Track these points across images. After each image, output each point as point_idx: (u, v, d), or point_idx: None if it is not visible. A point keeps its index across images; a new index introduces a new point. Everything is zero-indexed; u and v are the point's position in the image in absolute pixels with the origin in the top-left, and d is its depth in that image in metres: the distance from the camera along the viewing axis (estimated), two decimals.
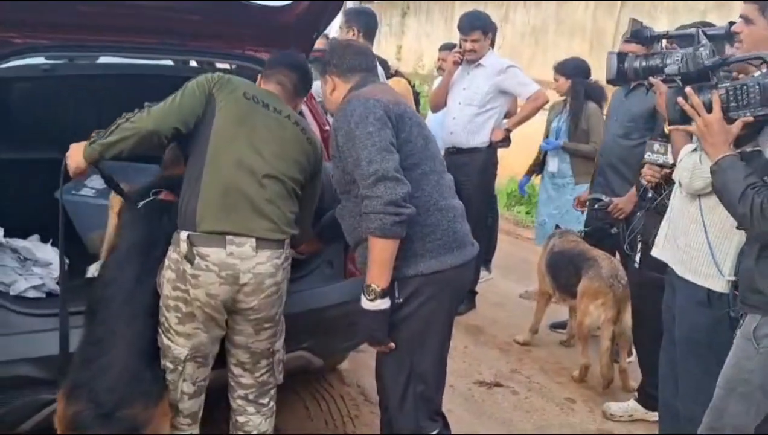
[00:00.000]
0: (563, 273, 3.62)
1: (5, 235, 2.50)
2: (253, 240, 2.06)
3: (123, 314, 2.08)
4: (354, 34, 3.70)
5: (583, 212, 4.01)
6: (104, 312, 2.09)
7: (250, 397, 2.31)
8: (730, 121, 1.78)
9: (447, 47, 5.33)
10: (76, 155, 2.13)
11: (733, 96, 1.76)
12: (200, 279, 2.03)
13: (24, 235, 2.65)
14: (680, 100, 1.86)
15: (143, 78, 2.39)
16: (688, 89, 1.85)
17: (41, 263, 2.49)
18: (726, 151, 1.78)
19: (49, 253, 2.54)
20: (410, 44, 12.16)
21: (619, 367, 3.50)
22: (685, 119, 1.88)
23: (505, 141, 4.23)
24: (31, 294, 2.37)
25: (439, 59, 5.32)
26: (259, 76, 2.37)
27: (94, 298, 2.14)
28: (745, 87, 1.75)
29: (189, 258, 2.02)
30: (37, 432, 2.23)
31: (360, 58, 2.22)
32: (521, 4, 9.97)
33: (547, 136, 4.60)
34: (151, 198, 2.26)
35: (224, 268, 2.04)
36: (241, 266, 2.05)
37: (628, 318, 3.26)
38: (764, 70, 1.76)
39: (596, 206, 3.53)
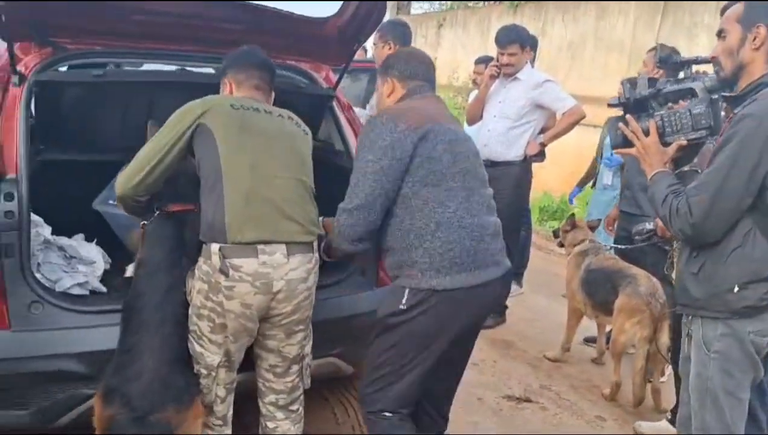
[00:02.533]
0: (600, 290, 3.59)
1: (52, 234, 2.58)
2: (284, 247, 2.09)
3: (152, 323, 2.13)
4: (390, 48, 3.73)
5: (610, 232, 4.00)
6: (135, 321, 2.14)
7: (281, 402, 2.33)
8: (666, 144, 2.00)
9: (483, 60, 5.35)
10: None
11: (668, 122, 1.98)
12: (235, 290, 2.06)
13: (69, 234, 2.73)
14: (621, 125, 2.09)
15: (187, 85, 2.46)
16: (628, 116, 2.08)
17: (85, 261, 2.56)
18: (661, 169, 1.98)
19: (93, 252, 2.61)
20: (445, 56, 12.20)
21: (651, 386, 3.45)
22: (626, 142, 2.08)
23: (540, 155, 4.22)
24: (76, 291, 2.44)
25: (474, 72, 5.34)
26: (226, 83, 2.32)
27: (127, 308, 2.19)
28: (677, 114, 1.97)
29: (223, 270, 2.04)
30: (76, 425, 2.30)
31: (422, 67, 2.29)
32: (559, 18, 9.94)
33: (600, 151, 4.60)
34: (156, 213, 2.30)
35: (258, 277, 2.06)
36: (274, 274, 2.08)
37: (664, 338, 3.22)
38: (695, 100, 1.97)
39: (645, 235, 3.50)
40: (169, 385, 2.06)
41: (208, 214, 2.11)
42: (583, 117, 4.26)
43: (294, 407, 2.36)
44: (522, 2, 10.88)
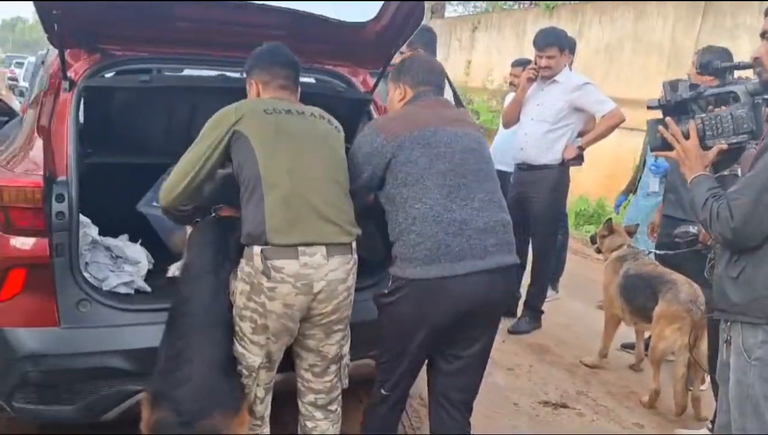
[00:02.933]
0: (639, 296, 3.54)
1: (99, 234, 2.66)
2: (324, 248, 2.13)
3: (199, 328, 2.16)
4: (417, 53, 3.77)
5: (653, 240, 3.93)
6: (183, 325, 2.18)
7: (319, 402, 2.36)
8: (707, 148, 1.96)
9: (520, 63, 5.32)
10: None
11: (708, 125, 1.95)
12: (277, 291, 2.10)
13: (114, 235, 2.82)
14: (660, 128, 2.06)
15: (229, 90, 2.51)
16: (667, 118, 2.05)
17: (131, 261, 2.64)
18: (701, 172, 1.96)
19: (138, 252, 2.69)
20: (480, 59, 12.16)
21: (692, 394, 3.39)
22: (665, 145, 2.06)
23: (578, 159, 4.16)
24: (122, 290, 2.51)
25: (511, 74, 5.31)
26: (252, 84, 2.35)
27: (174, 311, 2.23)
28: (718, 117, 1.93)
29: (265, 272, 2.09)
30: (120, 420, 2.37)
31: (433, 74, 2.43)
32: (596, 19, 9.82)
33: (644, 156, 4.54)
34: (213, 214, 2.36)
35: (299, 278, 2.10)
36: (314, 275, 2.12)
37: (705, 345, 3.15)
38: (737, 103, 1.93)
39: (688, 238, 3.44)
40: (217, 390, 2.10)
41: (248, 218, 2.15)
42: (623, 120, 4.20)
43: (332, 407, 2.38)
44: (558, 3, 10.78)
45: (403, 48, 3.76)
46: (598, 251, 4.08)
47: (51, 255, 2.26)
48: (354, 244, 2.25)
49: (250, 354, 2.21)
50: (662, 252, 3.53)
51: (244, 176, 2.16)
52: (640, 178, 4.66)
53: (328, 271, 2.14)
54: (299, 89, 2.39)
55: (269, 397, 2.33)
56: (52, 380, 2.31)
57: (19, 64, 21.94)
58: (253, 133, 2.15)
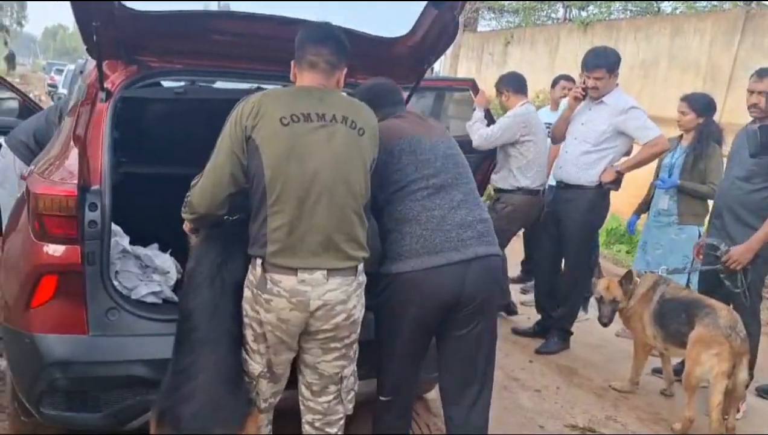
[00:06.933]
0: (673, 321, 3.44)
1: (129, 244, 2.68)
2: (325, 270, 2.08)
3: (203, 341, 2.13)
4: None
5: (700, 260, 3.82)
6: (186, 340, 2.15)
7: (317, 423, 2.30)
8: None
9: (567, 78, 5.38)
10: (186, 225, 2.40)
11: None
12: (272, 304, 2.08)
13: (144, 244, 2.84)
14: None
15: None
16: None
17: (160, 271, 2.65)
18: None
19: (168, 262, 2.70)
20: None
21: (727, 423, 3.28)
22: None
23: (615, 183, 4.07)
24: (150, 299, 2.53)
25: (562, 88, 5.33)
26: (292, 67, 2.24)
27: (179, 325, 2.21)
28: None
29: (262, 283, 2.08)
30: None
31: (389, 96, 2.60)
32: (631, 36, 9.71)
33: (657, 172, 4.45)
34: (227, 218, 2.29)
35: (294, 294, 2.06)
36: (311, 293, 2.07)
37: (743, 374, 3.06)
38: None
39: (717, 253, 3.36)
40: (221, 407, 2.08)
41: (252, 232, 2.13)
42: (666, 149, 4.11)
43: (331, 430, 2.31)
44: (593, 19, 10.68)
45: None
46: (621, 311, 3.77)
47: (83, 263, 2.28)
48: (360, 266, 2.18)
49: (252, 362, 2.21)
50: (680, 268, 3.42)
51: (253, 188, 2.11)
52: (653, 196, 4.55)
53: (327, 291, 2.09)
54: (342, 69, 2.21)
55: (270, 416, 2.31)
56: (79, 387, 2.33)
57: (59, 71, 22.55)
58: (264, 146, 2.04)
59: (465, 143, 3.60)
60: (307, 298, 2.07)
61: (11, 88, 4.84)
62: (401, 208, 2.35)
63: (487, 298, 2.39)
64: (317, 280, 2.08)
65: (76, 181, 2.28)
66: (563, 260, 4.41)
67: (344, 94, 2.27)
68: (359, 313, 2.21)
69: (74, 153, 2.42)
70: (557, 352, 4.31)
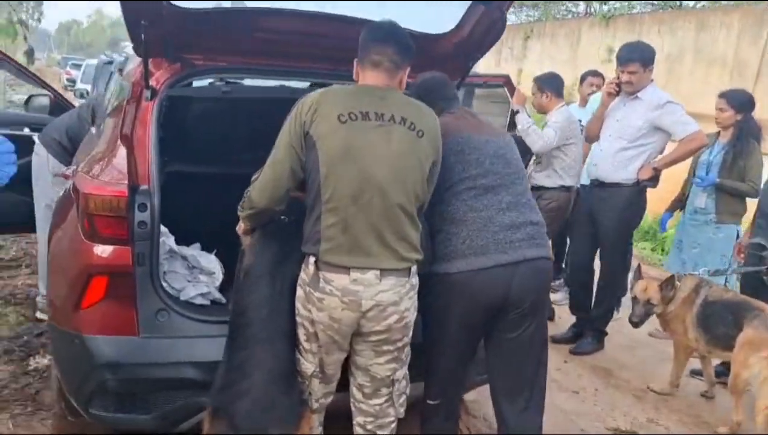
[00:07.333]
0: (719, 323, 3.38)
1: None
2: (378, 270, 2.06)
3: (259, 338, 2.12)
4: None
5: (742, 261, 3.75)
6: (241, 337, 2.14)
7: (368, 426, 2.28)
8: None
9: (594, 73, 5.30)
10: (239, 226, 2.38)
11: None
12: (324, 302, 2.06)
13: (187, 244, 2.82)
14: None
15: None
16: None
17: (206, 272, 2.63)
18: None
19: (213, 263, 2.68)
20: (532, 68, 11.96)
21: None
22: None
23: (653, 180, 3.99)
24: (199, 301, 2.51)
25: (590, 85, 5.26)
26: (354, 65, 2.21)
27: (233, 322, 2.20)
28: None
29: (315, 282, 2.06)
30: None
31: (448, 89, 2.58)
32: (654, 29, 9.58)
33: (694, 169, 4.38)
34: (284, 218, 2.28)
35: (347, 293, 2.04)
36: (363, 293, 2.04)
37: None
38: None
39: (763, 253, 3.30)
40: (275, 405, 2.06)
41: (306, 230, 2.11)
42: (704, 145, 4.02)
43: (382, 433, 2.28)
44: (615, 13, 10.57)
45: None
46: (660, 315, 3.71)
47: (133, 264, 2.27)
48: (413, 268, 2.15)
49: (305, 361, 2.19)
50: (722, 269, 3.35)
51: (308, 184, 2.10)
52: (688, 194, 4.47)
53: (379, 291, 2.06)
54: (405, 69, 2.18)
55: (321, 415, 2.29)
56: (130, 389, 2.32)
57: (76, 66, 22.64)
58: (321, 144, 2.02)
59: None
60: (359, 298, 2.05)
61: (43, 84, 4.84)
62: (448, 208, 2.32)
63: (536, 300, 2.35)
64: (369, 280, 2.05)
65: (126, 182, 2.26)
66: (599, 260, 4.34)
67: (405, 95, 2.23)
68: (412, 315, 2.18)
69: (122, 152, 2.40)
70: (592, 352, 4.27)
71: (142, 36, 2.35)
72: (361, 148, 2.04)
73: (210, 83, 3.08)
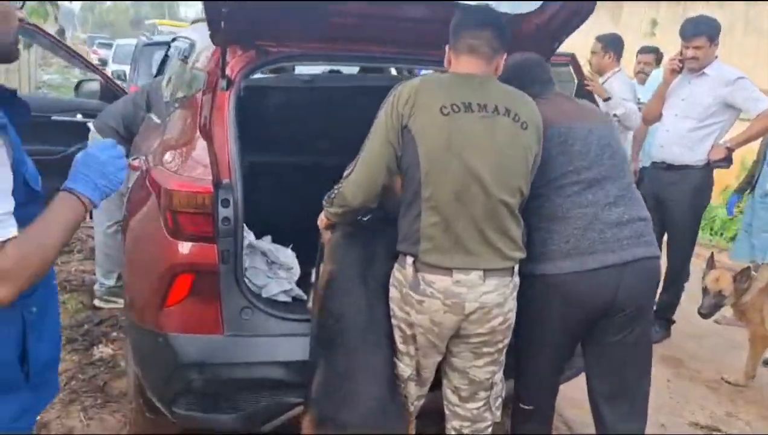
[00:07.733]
0: None
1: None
2: (481, 270, 1.96)
3: (360, 344, 2.05)
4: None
5: None
6: (340, 343, 2.06)
7: (465, 431, 2.19)
8: None
9: (649, 50, 5.08)
10: (321, 220, 2.26)
11: None
12: (425, 305, 1.97)
13: (258, 236, 2.74)
14: None
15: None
16: None
17: (285, 267, 2.55)
18: None
19: (290, 257, 2.59)
20: (573, 43, 11.63)
21: None
22: None
23: (726, 161, 3.82)
24: (281, 298, 2.43)
25: (640, 62, 5.05)
26: (446, 52, 2.09)
27: (328, 328, 2.11)
28: None
29: (415, 284, 1.97)
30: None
31: (540, 72, 2.38)
32: (701, 3, 9.22)
33: (763, 150, 4.19)
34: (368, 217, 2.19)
35: (449, 296, 1.95)
36: (467, 295, 1.95)
37: None
38: None
39: None
40: (385, 412, 2.00)
41: (404, 229, 2.01)
42: None
43: None
44: None
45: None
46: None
47: (218, 261, 2.19)
48: (516, 267, 2.05)
49: (402, 364, 2.11)
50: None
51: (406, 180, 1.99)
52: (758, 175, 4.28)
53: (483, 293, 1.96)
54: (502, 55, 2.06)
55: (413, 418, 2.22)
56: (215, 389, 2.26)
57: (104, 45, 22.63)
58: (421, 137, 1.92)
59: None
60: (462, 300, 1.95)
61: (94, 69, 4.78)
62: (549, 204, 2.16)
63: (643, 304, 2.23)
64: (473, 282, 1.95)
65: (211, 178, 2.18)
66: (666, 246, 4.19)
67: (503, 84, 2.10)
68: (514, 316, 2.08)
69: (202, 145, 2.32)
70: (659, 341, 4.12)
71: (223, 24, 2.26)
72: (465, 141, 1.93)
73: (282, 70, 3.00)
